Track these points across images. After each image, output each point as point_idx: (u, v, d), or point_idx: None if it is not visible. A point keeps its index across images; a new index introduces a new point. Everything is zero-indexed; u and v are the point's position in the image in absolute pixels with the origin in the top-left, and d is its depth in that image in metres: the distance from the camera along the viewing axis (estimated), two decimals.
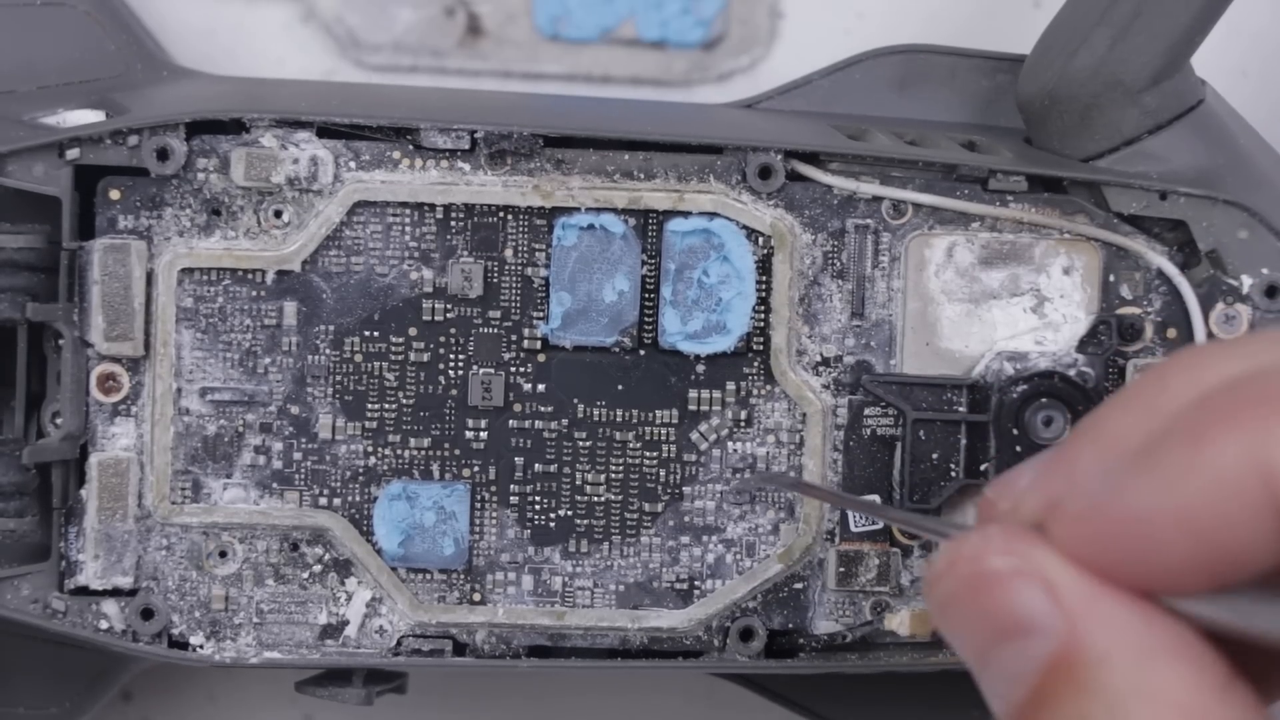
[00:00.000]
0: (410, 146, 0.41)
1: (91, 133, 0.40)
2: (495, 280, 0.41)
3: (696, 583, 0.42)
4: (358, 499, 0.41)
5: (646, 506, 0.42)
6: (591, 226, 0.41)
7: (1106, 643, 0.27)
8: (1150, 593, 0.27)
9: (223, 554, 0.41)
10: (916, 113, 0.45)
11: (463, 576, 0.42)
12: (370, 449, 0.41)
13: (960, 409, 0.41)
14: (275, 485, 0.41)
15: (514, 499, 0.42)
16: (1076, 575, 0.27)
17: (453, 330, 0.41)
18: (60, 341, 0.41)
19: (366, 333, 0.41)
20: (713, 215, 0.41)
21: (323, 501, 0.41)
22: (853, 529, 0.42)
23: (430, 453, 0.41)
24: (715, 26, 0.49)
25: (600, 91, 0.49)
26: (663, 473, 0.42)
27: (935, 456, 0.41)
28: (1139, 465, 0.27)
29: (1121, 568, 0.27)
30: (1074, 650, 0.27)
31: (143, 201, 0.40)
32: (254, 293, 0.41)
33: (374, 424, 0.41)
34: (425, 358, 0.41)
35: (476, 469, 0.41)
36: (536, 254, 0.41)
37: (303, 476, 0.41)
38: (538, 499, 0.42)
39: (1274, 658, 0.27)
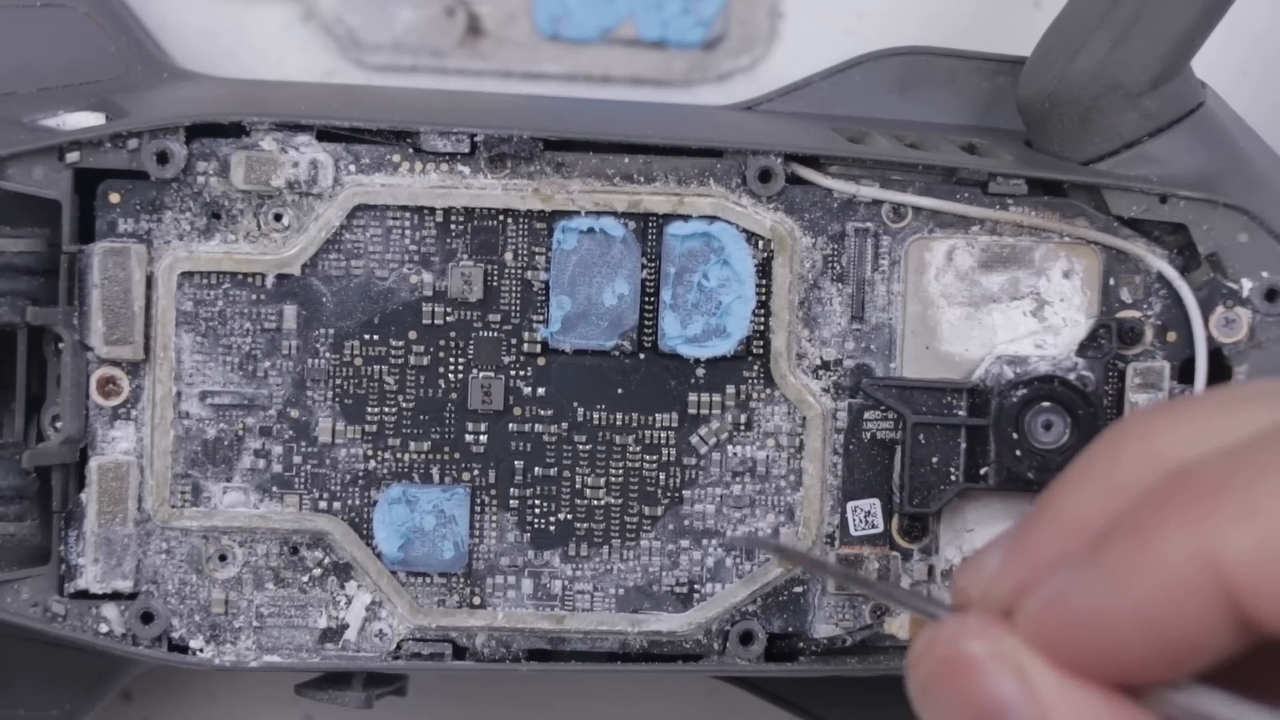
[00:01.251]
0: (410, 150, 0.41)
1: (91, 136, 0.40)
2: (495, 284, 0.41)
3: (696, 586, 0.42)
4: (357, 503, 0.41)
5: (646, 510, 0.42)
6: (591, 230, 0.41)
7: None
8: (1117, 683, 0.28)
9: (222, 557, 0.41)
10: (917, 115, 0.45)
11: (462, 580, 0.42)
12: (370, 452, 0.41)
13: (960, 413, 0.41)
14: (275, 489, 0.41)
15: (514, 502, 0.42)
16: (1047, 665, 0.28)
17: (452, 334, 0.41)
18: (60, 345, 0.41)
19: (366, 336, 0.41)
20: (713, 219, 0.41)
21: (322, 505, 0.41)
22: (852, 533, 0.42)
23: (430, 456, 0.41)
24: (715, 26, 0.49)
25: (600, 91, 0.49)
26: (662, 476, 0.42)
27: (935, 460, 0.41)
28: (1091, 563, 0.28)
29: (1083, 660, 0.28)
30: None
31: (143, 205, 0.40)
32: (254, 296, 0.41)
33: (374, 427, 0.41)
34: (425, 361, 0.41)
35: (476, 472, 0.41)
36: (536, 257, 0.41)
37: (302, 480, 0.41)
38: (537, 502, 0.42)
39: None
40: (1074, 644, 0.28)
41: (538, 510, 0.42)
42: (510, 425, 0.41)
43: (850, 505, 0.42)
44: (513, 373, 0.41)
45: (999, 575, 0.30)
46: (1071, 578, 0.28)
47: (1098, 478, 0.29)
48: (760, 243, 0.41)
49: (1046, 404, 0.41)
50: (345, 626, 0.41)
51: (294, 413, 0.41)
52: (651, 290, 0.41)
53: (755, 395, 0.42)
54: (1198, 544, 0.26)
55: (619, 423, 0.42)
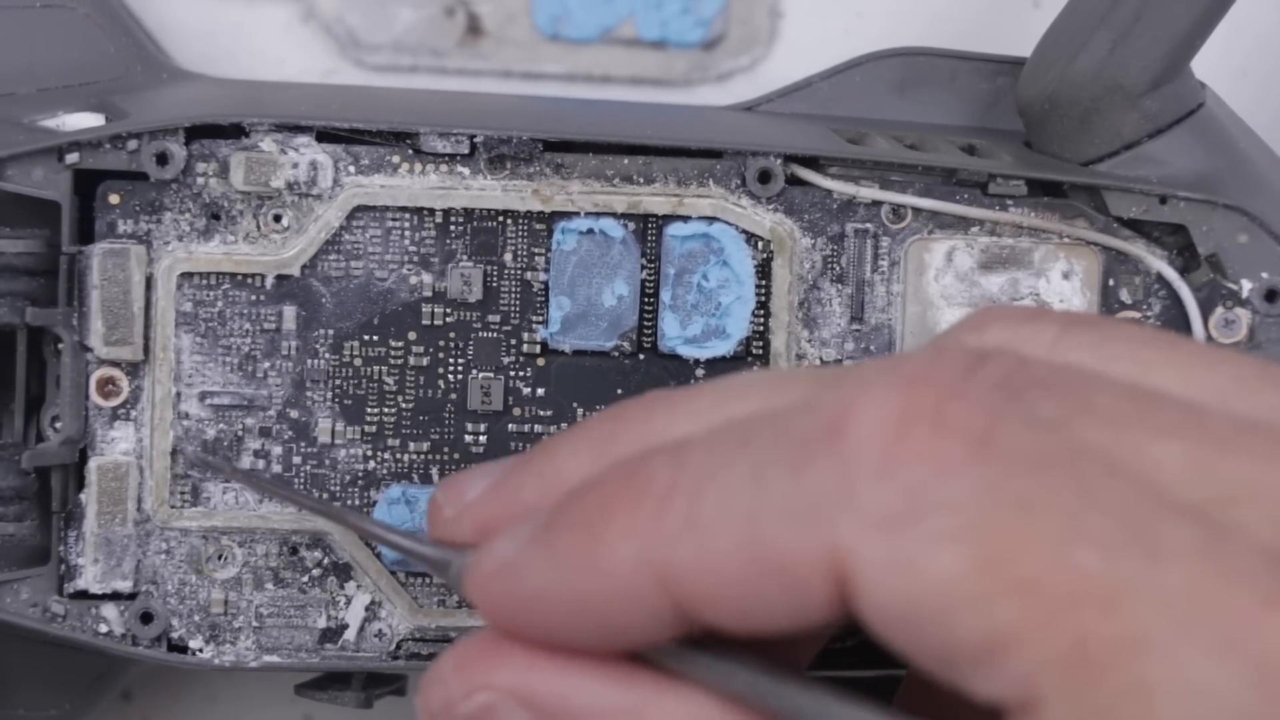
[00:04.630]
0: (410, 151, 0.41)
1: (91, 137, 0.40)
2: (494, 285, 0.41)
3: None
4: (357, 503, 0.41)
5: None
6: (591, 231, 0.41)
7: None
8: (632, 654, 0.29)
9: (222, 557, 0.41)
10: (916, 115, 0.45)
11: None
12: (369, 453, 0.41)
13: None
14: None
15: None
16: (547, 675, 0.29)
17: (452, 334, 0.41)
18: (60, 346, 0.41)
19: (366, 337, 0.41)
20: (712, 220, 0.41)
21: None
22: None
23: (430, 457, 0.41)
24: (715, 26, 0.49)
25: (600, 91, 0.49)
26: None
27: None
28: (543, 543, 0.28)
29: (527, 632, 0.29)
30: None
31: (142, 206, 0.40)
32: (253, 297, 0.41)
33: (373, 428, 0.41)
34: (424, 362, 0.41)
35: None
36: (536, 258, 0.41)
37: (302, 480, 0.41)
38: None
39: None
40: (519, 614, 0.29)
41: None
42: (510, 426, 0.42)
43: None
44: (512, 373, 0.41)
45: (475, 504, 0.31)
46: (522, 552, 0.29)
47: (595, 444, 0.30)
48: (760, 243, 0.41)
49: None
50: (345, 626, 0.41)
51: (293, 413, 0.41)
52: (651, 291, 0.41)
53: None
54: (644, 551, 0.27)
55: None
